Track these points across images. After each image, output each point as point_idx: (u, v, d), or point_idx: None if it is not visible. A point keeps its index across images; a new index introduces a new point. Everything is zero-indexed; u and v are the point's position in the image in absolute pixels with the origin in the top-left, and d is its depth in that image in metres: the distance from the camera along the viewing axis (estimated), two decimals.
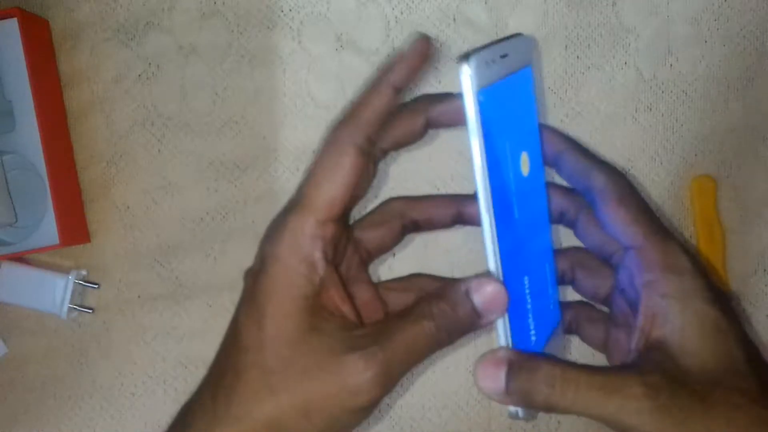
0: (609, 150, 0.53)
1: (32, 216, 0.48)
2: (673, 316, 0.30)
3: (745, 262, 0.53)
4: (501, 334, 0.30)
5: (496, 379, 0.30)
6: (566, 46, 0.52)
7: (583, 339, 0.37)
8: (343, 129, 0.29)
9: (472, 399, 0.53)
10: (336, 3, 0.51)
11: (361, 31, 0.52)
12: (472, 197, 0.31)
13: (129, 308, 0.52)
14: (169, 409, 0.52)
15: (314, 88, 0.52)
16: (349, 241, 0.33)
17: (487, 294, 0.29)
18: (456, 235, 0.51)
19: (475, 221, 0.31)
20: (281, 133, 0.52)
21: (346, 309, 0.30)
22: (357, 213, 0.35)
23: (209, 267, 0.52)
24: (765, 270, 0.54)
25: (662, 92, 0.53)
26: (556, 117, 0.52)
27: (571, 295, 0.38)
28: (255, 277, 0.31)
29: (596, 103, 0.53)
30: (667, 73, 0.53)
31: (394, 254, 0.51)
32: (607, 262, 0.34)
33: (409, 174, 0.52)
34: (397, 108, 0.31)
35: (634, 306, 0.32)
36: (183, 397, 0.52)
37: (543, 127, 0.35)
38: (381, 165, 0.33)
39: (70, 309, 0.50)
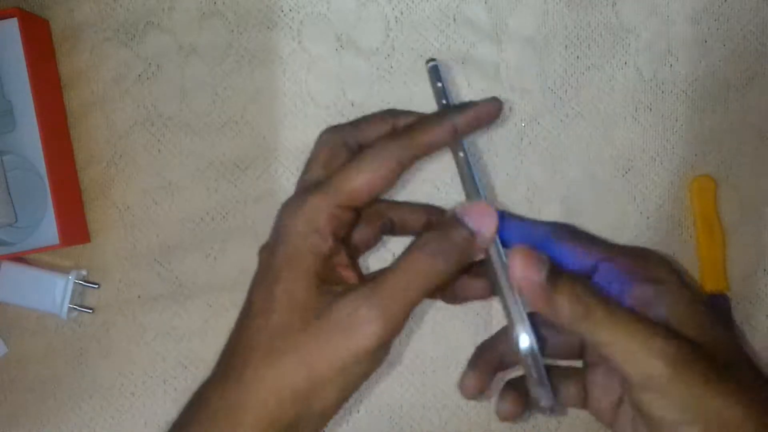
0: (609, 150, 0.53)
1: (32, 216, 0.48)
2: (664, 296, 0.29)
3: (745, 262, 0.53)
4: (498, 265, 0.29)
5: (537, 269, 0.27)
6: (566, 46, 0.52)
7: (563, 400, 0.35)
8: (395, 143, 0.30)
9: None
10: (336, 3, 0.51)
11: (361, 31, 0.52)
12: (442, 209, 0.33)
13: (129, 308, 0.52)
14: (169, 409, 0.52)
15: (314, 88, 0.52)
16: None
17: (474, 211, 0.29)
18: None
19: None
20: (281, 133, 0.52)
21: (353, 282, 0.31)
22: None
23: (209, 267, 0.52)
24: (765, 270, 0.54)
25: (662, 92, 0.53)
26: (556, 117, 0.52)
27: None
28: (270, 250, 0.31)
29: (596, 103, 0.53)
30: (667, 73, 0.53)
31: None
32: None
33: (409, 174, 0.52)
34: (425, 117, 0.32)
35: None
36: (183, 397, 0.52)
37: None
38: None
39: (70, 309, 0.50)
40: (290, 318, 0.29)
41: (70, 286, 0.50)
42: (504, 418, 0.33)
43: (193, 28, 0.51)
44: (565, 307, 0.27)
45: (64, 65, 0.51)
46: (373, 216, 0.35)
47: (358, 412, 0.52)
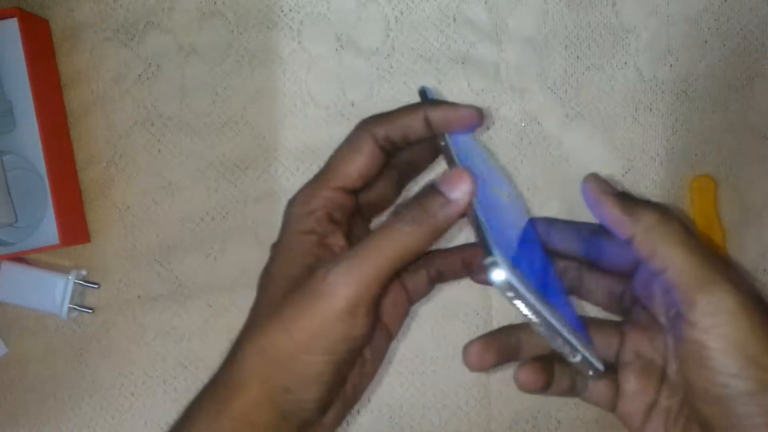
0: (609, 150, 0.53)
1: (32, 216, 0.48)
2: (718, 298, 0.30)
3: (745, 262, 0.53)
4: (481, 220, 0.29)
5: (608, 186, 0.31)
6: (566, 46, 0.52)
7: (589, 396, 0.35)
8: (368, 122, 0.33)
9: (472, 399, 0.53)
10: (336, 3, 0.51)
11: (361, 31, 0.52)
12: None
13: (129, 308, 0.52)
14: (169, 409, 0.52)
15: (314, 88, 0.52)
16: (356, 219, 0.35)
17: (449, 178, 0.29)
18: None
19: None
20: (281, 133, 0.52)
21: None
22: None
23: (209, 267, 0.52)
24: (765, 270, 0.54)
25: (662, 92, 0.53)
26: (556, 117, 0.52)
27: None
28: (278, 237, 0.34)
29: (596, 103, 0.53)
30: (667, 73, 0.53)
31: None
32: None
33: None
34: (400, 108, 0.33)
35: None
36: (183, 397, 0.52)
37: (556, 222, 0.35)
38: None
39: (70, 309, 0.50)
40: (280, 292, 0.31)
41: (70, 286, 0.50)
42: (522, 386, 0.33)
43: (193, 28, 0.51)
44: (626, 220, 0.30)
45: (64, 65, 0.51)
46: (422, 267, 0.36)
47: (358, 412, 0.52)
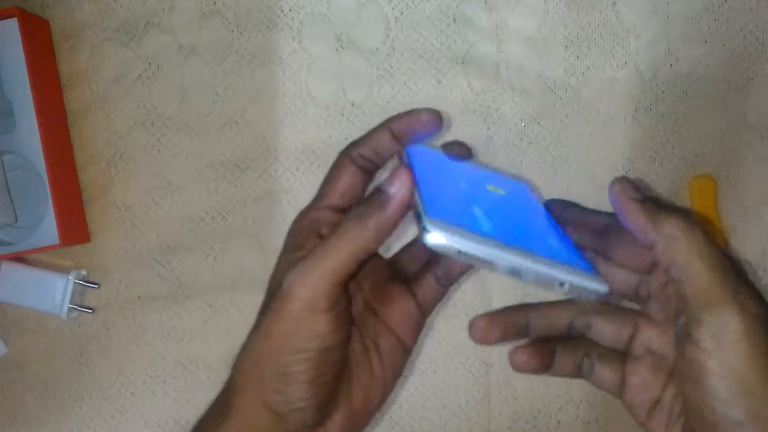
0: (609, 150, 0.53)
1: (32, 216, 0.48)
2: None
3: (745, 262, 0.53)
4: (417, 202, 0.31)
5: (634, 190, 0.32)
6: (566, 46, 0.52)
7: (596, 381, 0.36)
8: (347, 147, 0.36)
9: (472, 399, 0.53)
10: (336, 3, 0.51)
11: (361, 31, 0.52)
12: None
13: (129, 308, 0.52)
14: (169, 409, 0.52)
15: (314, 88, 0.52)
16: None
17: (392, 178, 0.31)
18: None
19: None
20: (281, 133, 0.52)
21: None
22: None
23: (209, 267, 0.52)
24: (765, 270, 0.54)
25: (662, 92, 0.53)
26: (556, 117, 0.52)
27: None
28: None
29: (596, 103, 0.53)
30: (667, 73, 0.53)
31: None
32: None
33: None
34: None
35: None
36: (183, 397, 0.53)
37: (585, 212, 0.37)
38: None
39: (70, 309, 0.50)
40: (266, 301, 0.34)
41: (70, 286, 0.50)
42: (515, 366, 0.35)
43: (193, 28, 0.51)
44: (651, 221, 0.31)
45: (64, 65, 0.51)
46: (427, 271, 0.37)
47: None
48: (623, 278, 0.34)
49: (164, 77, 0.51)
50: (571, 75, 0.52)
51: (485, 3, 0.52)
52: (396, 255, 0.39)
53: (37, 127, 0.47)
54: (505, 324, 0.35)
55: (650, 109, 0.53)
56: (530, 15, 0.52)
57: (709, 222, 0.52)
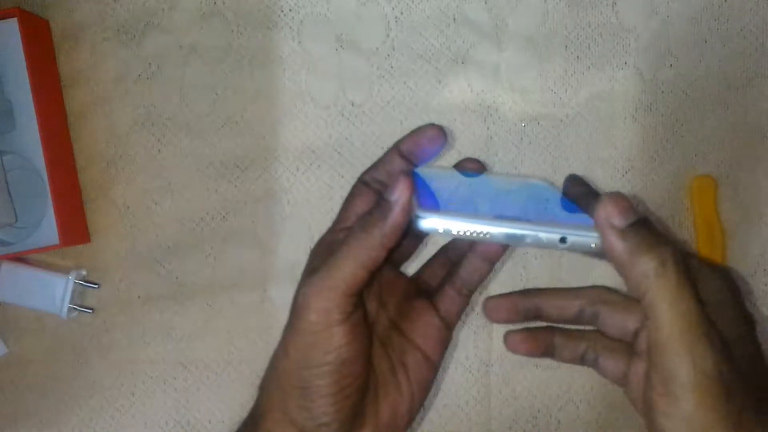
0: (609, 150, 0.53)
1: (32, 216, 0.48)
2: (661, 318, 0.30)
3: (745, 262, 0.53)
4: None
5: (620, 215, 0.31)
6: (566, 46, 0.52)
7: (600, 371, 0.36)
8: (361, 174, 0.37)
9: (472, 399, 0.53)
10: (336, 3, 0.51)
11: (361, 31, 0.52)
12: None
13: (129, 308, 0.52)
14: (169, 409, 0.52)
15: (314, 88, 0.52)
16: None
17: (392, 185, 0.32)
18: None
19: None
20: (281, 133, 0.52)
21: None
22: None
23: (209, 267, 0.52)
24: (765, 270, 0.54)
25: (662, 92, 0.53)
26: (556, 117, 0.52)
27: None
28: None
29: (596, 103, 0.53)
30: (667, 73, 0.53)
31: None
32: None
33: None
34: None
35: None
36: (183, 397, 0.53)
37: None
38: None
39: (70, 309, 0.50)
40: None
41: (70, 286, 0.50)
42: (509, 348, 0.36)
43: (193, 28, 0.51)
44: (628, 256, 0.30)
45: (64, 65, 0.51)
46: (446, 283, 0.38)
47: None
48: None
49: (164, 77, 0.51)
50: (571, 75, 0.52)
51: (485, 3, 0.52)
52: (417, 273, 0.40)
53: (37, 127, 0.47)
54: (515, 305, 0.36)
55: (650, 109, 0.53)
56: (530, 15, 0.52)
57: (710, 223, 0.52)
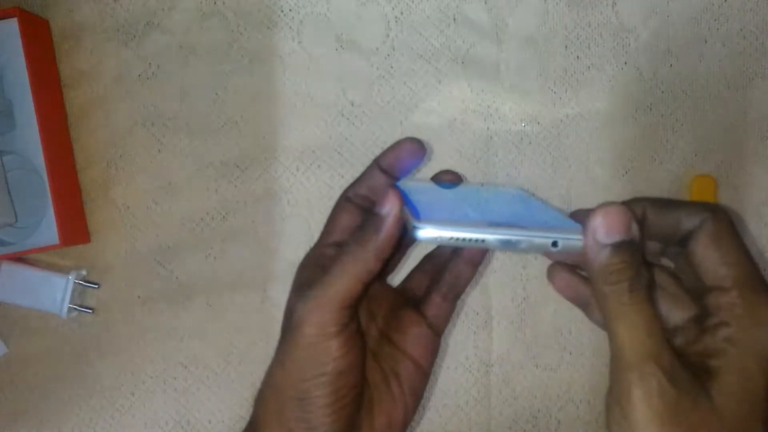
0: (609, 150, 0.53)
1: (32, 216, 0.48)
2: (726, 361, 0.30)
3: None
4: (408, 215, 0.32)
5: (613, 233, 0.30)
6: (566, 46, 0.52)
7: (591, 318, 0.37)
8: (344, 190, 0.38)
9: (472, 399, 0.53)
10: (336, 3, 0.51)
11: (361, 31, 0.52)
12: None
13: (129, 308, 0.52)
14: (169, 409, 0.52)
15: (314, 88, 0.52)
16: None
17: (382, 199, 0.32)
18: None
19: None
20: (281, 133, 0.52)
21: None
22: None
23: (209, 267, 0.52)
24: (765, 270, 0.54)
25: (662, 92, 0.53)
26: (556, 117, 0.52)
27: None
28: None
29: (596, 103, 0.53)
30: (667, 73, 0.53)
31: None
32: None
33: None
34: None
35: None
36: (183, 397, 0.53)
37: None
38: None
39: (70, 309, 0.50)
40: (281, 333, 0.36)
41: (70, 286, 0.50)
42: (557, 284, 0.36)
43: (193, 28, 0.51)
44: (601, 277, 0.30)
45: (64, 65, 0.51)
46: (432, 290, 0.39)
47: None
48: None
49: (164, 77, 0.51)
50: (571, 75, 0.52)
51: (485, 3, 0.52)
52: (402, 283, 0.41)
53: (37, 127, 0.47)
54: (577, 288, 0.36)
55: (650, 109, 0.53)
56: (530, 15, 0.52)
57: None
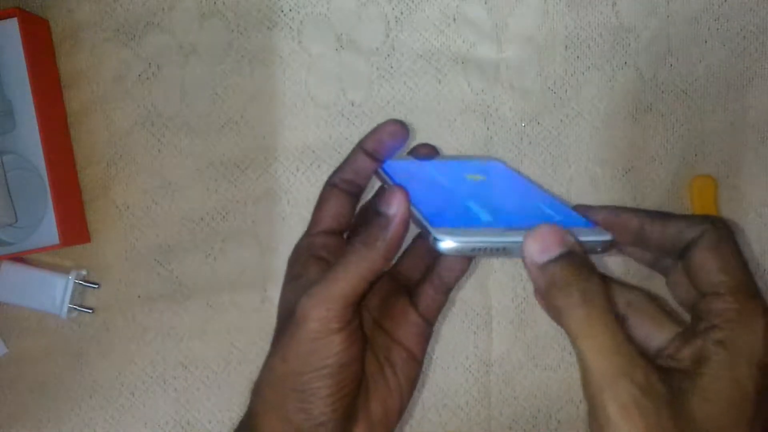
0: (609, 150, 0.53)
1: (32, 216, 0.48)
2: (714, 367, 0.29)
3: (746, 258, 0.53)
4: (418, 217, 0.32)
5: (548, 251, 0.29)
6: (566, 46, 0.52)
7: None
8: (329, 176, 0.38)
9: (472, 399, 0.53)
10: (336, 3, 0.51)
11: (361, 31, 0.52)
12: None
13: (129, 308, 0.52)
14: (169, 409, 0.52)
15: (314, 88, 0.52)
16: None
17: (385, 198, 0.32)
18: None
19: None
20: (281, 133, 0.52)
21: None
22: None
23: (209, 267, 0.52)
24: (765, 270, 0.54)
25: (662, 92, 0.53)
26: (556, 117, 0.52)
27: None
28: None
29: (596, 103, 0.53)
30: (667, 73, 0.53)
31: None
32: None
33: None
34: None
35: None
36: (183, 397, 0.53)
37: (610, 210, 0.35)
38: None
39: (70, 309, 0.50)
40: (278, 326, 0.36)
41: (70, 286, 0.50)
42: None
43: (193, 28, 0.51)
44: (554, 291, 0.29)
45: (64, 65, 0.51)
46: (425, 281, 0.38)
47: None
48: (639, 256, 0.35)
49: (164, 77, 0.51)
50: (571, 75, 0.52)
51: (485, 3, 0.52)
52: (396, 265, 0.40)
53: (37, 127, 0.47)
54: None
55: (650, 109, 0.53)
56: (530, 15, 0.52)
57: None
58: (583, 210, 0.34)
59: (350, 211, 0.38)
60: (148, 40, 0.51)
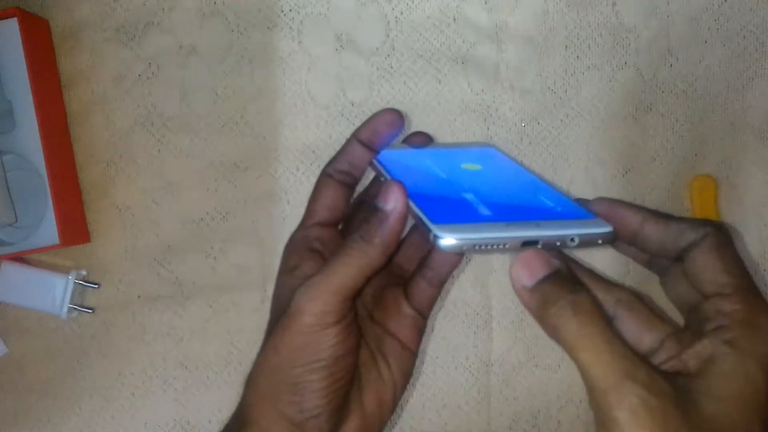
0: (609, 150, 0.53)
1: (32, 216, 0.48)
2: (724, 366, 0.29)
3: (744, 262, 0.53)
4: (418, 214, 0.32)
5: (535, 273, 0.30)
6: (566, 46, 0.52)
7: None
8: (323, 167, 0.38)
9: (471, 399, 0.53)
10: (336, 3, 0.51)
11: (361, 31, 0.52)
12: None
13: (129, 308, 0.52)
14: (169, 409, 0.52)
15: (314, 88, 0.52)
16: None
17: (383, 193, 0.32)
18: None
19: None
20: (281, 133, 0.52)
21: None
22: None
23: (209, 267, 0.52)
24: (765, 270, 0.54)
25: (662, 92, 0.53)
26: (556, 117, 0.52)
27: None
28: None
29: (596, 103, 0.53)
30: (667, 73, 0.53)
31: None
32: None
33: None
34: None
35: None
36: (183, 397, 0.53)
37: (613, 203, 0.34)
38: None
39: (70, 309, 0.50)
40: (273, 318, 0.36)
41: (70, 286, 0.50)
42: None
43: (193, 28, 0.51)
44: (545, 311, 0.29)
45: (64, 65, 0.51)
46: (417, 273, 0.38)
47: None
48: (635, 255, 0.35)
49: (164, 77, 0.51)
50: (571, 75, 0.52)
51: (485, 3, 0.52)
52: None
53: (37, 127, 0.47)
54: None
55: (650, 109, 0.53)
56: (530, 15, 0.52)
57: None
58: (583, 202, 0.34)
59: (345, 202, 0.37)
60: (148, 40, 0.51)
